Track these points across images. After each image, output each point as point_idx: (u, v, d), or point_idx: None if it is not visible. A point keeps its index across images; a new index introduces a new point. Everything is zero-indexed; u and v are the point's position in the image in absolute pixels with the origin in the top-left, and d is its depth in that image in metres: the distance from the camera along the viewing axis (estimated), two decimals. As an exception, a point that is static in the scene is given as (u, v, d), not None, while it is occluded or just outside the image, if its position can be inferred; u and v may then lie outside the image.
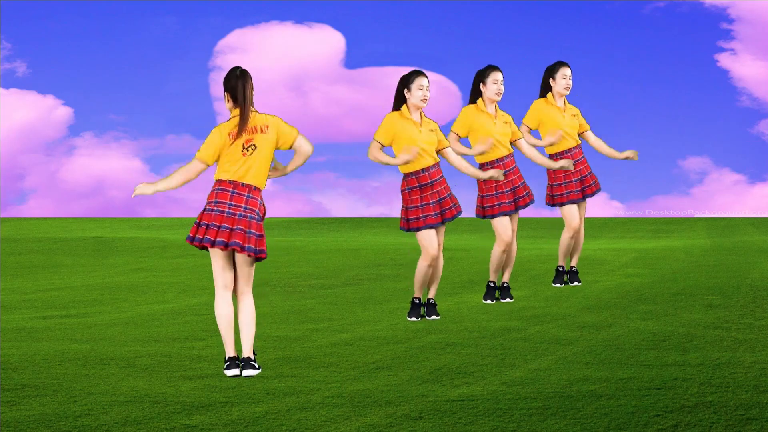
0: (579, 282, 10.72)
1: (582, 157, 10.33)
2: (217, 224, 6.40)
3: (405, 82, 8.40)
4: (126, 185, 26.54)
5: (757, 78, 25.91)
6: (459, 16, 27.76)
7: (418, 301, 8.71)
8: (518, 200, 9.53)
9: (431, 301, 8.78)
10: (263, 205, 6.56)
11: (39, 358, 7.05)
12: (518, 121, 9.92)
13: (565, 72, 10.13)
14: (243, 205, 6.44)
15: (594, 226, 25.15)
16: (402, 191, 8.56)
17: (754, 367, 6.36)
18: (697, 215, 26.44)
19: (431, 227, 8.49)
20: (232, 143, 6.43)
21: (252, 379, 6.33)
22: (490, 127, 9.33)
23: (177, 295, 10.86)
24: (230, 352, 6.48)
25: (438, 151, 8.54)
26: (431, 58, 27.81)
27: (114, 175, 26.43)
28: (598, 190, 10.42)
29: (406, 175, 8.52)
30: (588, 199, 10.45)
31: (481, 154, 9.38)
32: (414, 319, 8.65)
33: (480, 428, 5.07)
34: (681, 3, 27.11)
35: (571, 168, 10.02)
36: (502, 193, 9.44)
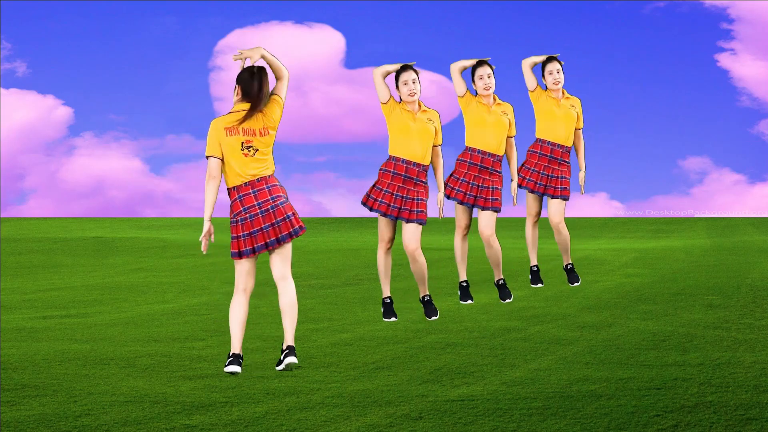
0: (578, 282, 10.53)
1: (565, 161, 10.02)
2: (258, 228, 6.54)
3: (395, 80, 8.41)
4: (126, 185, 26.51)
5: (757, 78, 25.91)
6: (459, 16, 27.77)
7: (389, 300, 8.66)
8: (478, 199, 9.29)
9: (426, 298, 8.70)
10: (281, 186, 6.64)
11: (39, 358, 7.05)
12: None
13: (550, 68, 9.95)
14: (269, 197, 6.54)
15: (594, 226, 25.15)
16: (379, 169, 8.52)
17: (754, 367, 6.36)
18: (697, 215, 26.44)
19: (383, 216, 8.43)
20: (230, 136, 6.47)
21: (252, 379, 6.33)
22: (482, 116, 9.24)
23: (177, 295, 10.86)
24: (236, 348, 6.54)
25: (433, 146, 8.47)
26: (431, 58, 27.77)
27: (114, 175, 26.43)
28: (562, 197, 10.06)
29: (389, 156, 8.47)
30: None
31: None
32: (393, 319, 8.60)
33: (480, 428, 5.07)
34: (681, 3, 27.10)
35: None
36: (467, 183, 9.30)
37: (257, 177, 6.54)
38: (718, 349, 7.01)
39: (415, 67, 8.41)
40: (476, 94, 9.29)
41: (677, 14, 27.49)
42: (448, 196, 9.32)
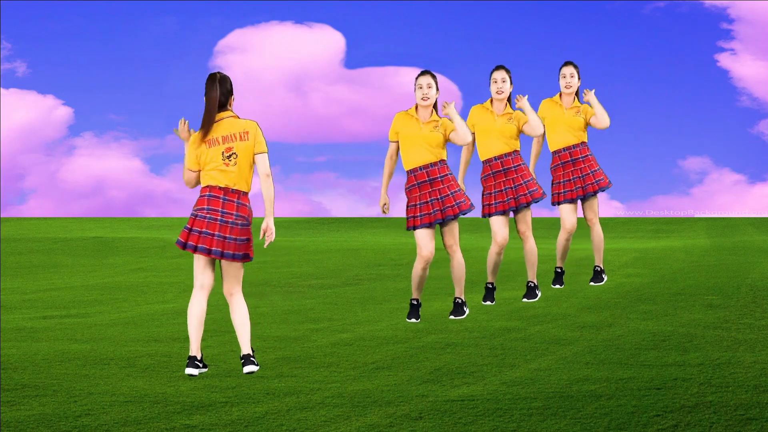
0: (602, 281, 10.65)
1: (586, 156, 10.20)
2: (209, 231, 6.50)
3: (415, 82, 8.53)
4: (126, 185, 26.51)
5: (757, 78, 25.92)
6: (459, 16, 27.77)
7: (416, 303, 8.68)
8: (519, 198, 9.42)
9: (457, 301, 8.74)
10: (250, 209, 6.60)
11: (39, 358, 7.05)
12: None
13: (564, 71, 10.16)
14: (234, 212, 6.51)
15: (594, 226, 25.14)
16: (405, 190, 8.60)
17: (754, 367, 6.36)
18: (697, 215, 26.45)
19: (426, 227, 8.47)
20: (210, 148, 6.48)
21: (252, 379, 6.33)
22: (489, 124, 9.31)
23: (177, 295, 10.86)
24: (193, 350, 6.50)
25: (448, 140, 8.52)
26: (431, 58, 27.81)
27: (114, 175, 26.44)
28: (602, 188, 10.24)
29: (407, 173, 8.55)
30: (599, 196, 10.33)
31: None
32: (413, 320, 8.64)
33: (480, 428, 5.07)
34: (681, 3, 27.11)
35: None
36: (500, 192, 9.39)
37: (232, 188, 6.51)
38: (718, 349, 7.01)
39: (432, 73, 8.53)
40: (489, 97, 9.36)
41: (677, 14, 27.50)
42: (489, 215, 9.39)
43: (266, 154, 6.57)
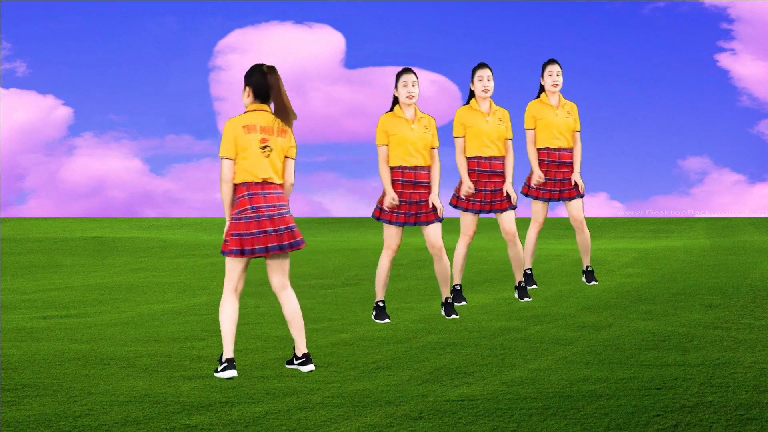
0: (596, 281, 10.69)
1: (571, 161, 10.19)
2: (263, 229, 6.42)
3: (395, 81, 8.49)
4: (126, 185, 26.51)
5: (757, 78, 25.92)
6: (458, 16, 27.77)
7: (382, 304, 8.67)
8: (495, 203, 9.37)
9: (448, 300, 8.76)
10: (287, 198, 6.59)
11: (39, 358, 7.05)
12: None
13: (551, 69, 10.13)
14: (277, 203, 6.45)
15: (594, 226, 25.15)
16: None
17: (754, 367, 6.36)
18: (697, 215, 26.45)
19: (400, 225, 8.47)
20: (248, 134, 6.40)
21: (252, 379, 6.33)
22: (481, 125, 9.28)
23: (177, 295, 10.86)
24: (229, 353, 6.44)
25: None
26: (431, 58, 27.82)
27: (114, 175, 26.45)
28: (579, 195, 10.23)
29: (392, 168, 8.51)
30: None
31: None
32: (386, 320, 8.60)
33: (480, 428, 5.07)
34: (681, 3, 27.11)
35: (541, 179, 9.98)
36: (480, 192, 9.35)
37: (269, 180, 6.46)
38: (718, 349, 7.01)
39: (415, 71, 8.50)
40: (473, 95, 9.32)
41: (677, 14, 27.50)
42: (465, 209, 9.37)
43: (294, 161, 6.54)
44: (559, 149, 10.15)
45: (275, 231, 6.43)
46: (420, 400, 5.67)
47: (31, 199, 26.39)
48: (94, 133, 26.54)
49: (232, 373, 6.39)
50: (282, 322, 8.74)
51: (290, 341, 7.70)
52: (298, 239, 6.50)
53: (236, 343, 7.63)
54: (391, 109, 8.51)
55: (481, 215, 9.53)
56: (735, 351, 6.94)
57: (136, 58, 27.81)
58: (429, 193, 8.50)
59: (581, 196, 10.24)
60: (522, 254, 9.59)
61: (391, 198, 8.43)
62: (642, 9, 27.58)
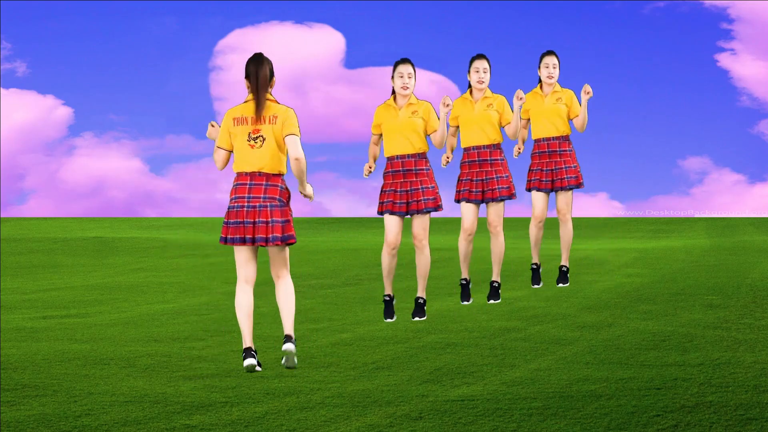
0: (566, 283, 10.54)
1: (564, 150, 10.16)
2: (240, 220, 6.48)
3: (392, 71, 8.55)
4: (126, 185, 26.50)
5: (757, 78, 25.91)
6: (458, 16, 27.76)
7: (388, 299, 8.67)
8: (486, 192, 9.36)
9: (419, 300, 8.72)
10: (286, 189, 6.58)
11: (39, 358, 7.05)
12: None
13: (546, 61, 10.21)
14: (262, 195, 6.49)
15: (594, 226, 25.14)
16: (383, 174, 8.70)
17: (754, 367, 6.36)
18: (697, 215, 26.44)
19: (392, 214, 8.51)
20: (236, 126, 6.48)
21: (252, 379, 6.33)
22: (468, 114, 9.32)
23: (177, 295, 10.86)
24: (247, 342, 6.53)
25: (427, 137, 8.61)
26: (431, 58, 27.79)
27: (114, 175, 26.43)
28: (573, 186, 10.20)
29: (386, 159, 8.66)
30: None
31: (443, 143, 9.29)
32: (390, 320, 8.60)
33: (480, 428, 5.07)
34: (681, 3, 27.10)
35: (523, 100, 9.75)
36: (471, 181, 9.35)
37: (259, 171, 6.49)
38: (718, 349, 7.01)
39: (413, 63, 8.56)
40: (469, 86, 9.36)
41: (677, 14, 27.48)
42: (457, 201, 9.41)
43: (296, 137, 6.49)
44: (548, 139, 10.16)
45: (252, 223, 6.48)
46: (420, 400, 5.67)
47: (31, 199, 26.38)
48: (94, 133, 26.52)
49: (250, 361, 6.44)
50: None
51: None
52: (274, 235, 6.47)
53: (236, 343, 7.63)
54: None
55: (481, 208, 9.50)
56: (735, 351, 6.94)
57: (136, 58, 27.80)
58: (421, 181, 8.50)
59: (574, 188, 10.19)
60: (501, 251, 9.51)
61: (368, 166, 8.64)
62: (642, 9, 27.57)
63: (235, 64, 26.45)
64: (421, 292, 8.72)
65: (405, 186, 8.52)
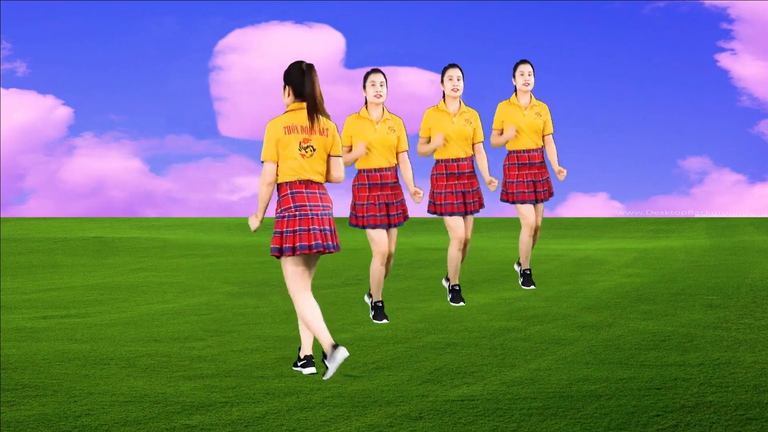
0: (534, 285, 10.55)
1: (541, 162, 10.16)
2: (307, 227, 6.32)
3: (363, 81, 8.41)
4: (126, 185, 26.50)
5: (757, 78, 25.91)
6: (458, 16, 27.76)
7: (380, 305, 8.67)
8: (468, 205, 9.30)
9: (378, 304, 8.69)
10: (330, 198, 6.53)
11: (39, 358, 7.05)
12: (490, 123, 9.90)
13: (522, 69, 10.04)
14: (320, 203, 6.39)
15: (594, 226, 25.15)
16: (352, 186, 8.54)
17: (754, 367, 6.36)
18: (697, 215, 26.45)
19: (378, 227, 8.46)
20: (288, 134, 6.33)
21: (252, 379, 6.33)
22: (446, 126, 9.20)
23: (177, 295, 10.86)
24: (308, 350, 6.53)
25: (396, 153, 8.51)
26: (431, 58, 27.81)
27: (114, 175, 26.43)
28: (551, 196, 10.29)
29: (358, 171, 8.50)
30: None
31: (432, 150, 9.23)
32: (384, 321, 8.60)
33: (480, 428, 5.07)
34: (681, 3, 27.10)
35: (512, 136, 9.83)
36: (451, 194, 9.29)
37: (311, 179, 6.37)
38: (718, 349, 7.01)
39: (383, 71, 8.42)
40: (443, 96, 9.24)
41: (677, 14, 27.48)
42: (441, 214, 9.30)
43: (341, 158, 6.48)
44: (528, 150, 10.09)
45: (320, 230, 6.34)
46: (420, 400, 5.67)
47: (31, 199, 26.38)
48: (94, 133, 26.52)
49: (309, 369, 6.47)
50: (282, 321, 8.74)
51: (290, 341, 7.70)
52: (336, 243, 6.43)
53: (235, 343, 7.64)
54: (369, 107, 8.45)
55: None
56: (735, 351, 6.94)
57: (136, 58, 27.79)
58: (395, 194, 8.49)
59: (547, 200, 10.23)
60: (458, 263, 9.39)
61: (354, 153, 8.40)
62: (642, 9, 27.57)
63: (235, 64, 26.51)
64: (379, 297, 8.68)
65: (383, 198, 8.47)
